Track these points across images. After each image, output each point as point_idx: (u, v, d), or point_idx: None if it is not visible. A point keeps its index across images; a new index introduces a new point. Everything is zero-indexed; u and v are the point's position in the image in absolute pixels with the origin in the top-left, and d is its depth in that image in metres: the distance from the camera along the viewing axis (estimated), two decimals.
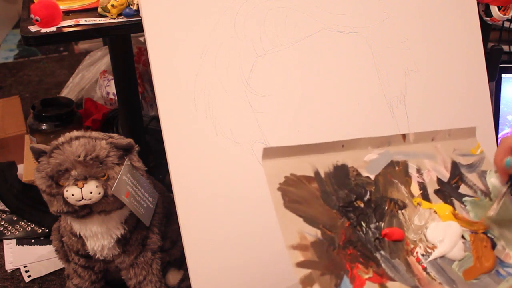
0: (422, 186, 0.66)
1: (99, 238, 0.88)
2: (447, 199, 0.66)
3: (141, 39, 1.53)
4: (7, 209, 1.21)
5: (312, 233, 0.56)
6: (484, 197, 0.67)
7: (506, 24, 1.27)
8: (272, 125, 0.81)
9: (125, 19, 0.95)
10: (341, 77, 0.83)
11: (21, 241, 1.16)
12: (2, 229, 1.18)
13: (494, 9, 0.97)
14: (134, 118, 1.26)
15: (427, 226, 0.63)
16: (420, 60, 0.86)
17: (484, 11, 0.98)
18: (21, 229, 1.18)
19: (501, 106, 1.11)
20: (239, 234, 0.78)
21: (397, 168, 0.65)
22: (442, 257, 0.61)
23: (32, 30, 0.91)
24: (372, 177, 0.63)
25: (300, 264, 0.54)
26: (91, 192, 0.81)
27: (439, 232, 0.62)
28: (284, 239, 0.54)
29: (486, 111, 0.89)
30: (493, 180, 0.67)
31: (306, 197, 0.58)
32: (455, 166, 0.68)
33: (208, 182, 0.78)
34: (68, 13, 0.98)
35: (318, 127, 0.82)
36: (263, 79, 0.80)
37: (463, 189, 0.67)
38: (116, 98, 1.41)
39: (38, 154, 0.84)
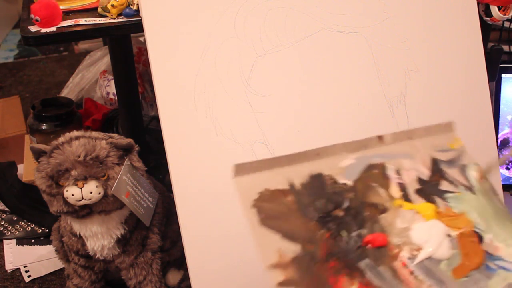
0: (403, 187, 0.64)
1: (99, 238, 0.88)
2: (429, 198, 0.64)
3: (141, 39, 1.53)
4: (7, 209, 1.21)
5: (292, 248, 0.54)
6: (466, 192, 0.65)
7: (506, 24, 1.27)
8: (272, 125, 0.81)
9: (125, 19, 0.95)
10: (341, 77, 0.83)
11: (21, 241, 1.16)
12: (2, 229, 1.18)
13: (494, 9, 0.97)
14: (134, 118, 1.26)
15: (410, 228, 0.61)
16: (420, 60, 0.86)
17: (484, 11, 0.98)
18: (21, 229, 1.18)
19: (501, 106, 1.11)
20: (239, 234, 0.78)
21: (375, 171, 0.64)
22: (429, 258, 0.59)
23: (32, 30, 0.91)
24: (350, 183, 0.62)
25: (282, 284, 0.52)
26: (91, 192, 0.81)
27: (424, 233, 0.61)
28: (263, 259, 0.52)
29: (486, 111, 0.89)
30: (474, 173, 0.66)
31: (283, 211, 0.56)
32: (435, 163, 0.66)
33: (208, 182, 0.78)
34: (68, 13, 0.98)
35: (318, 127, 0.82)
36: (263, 79, 0.80)
37: (444, 185, 0.65)
38: (116, 98, 1.41)
39: (38, 154, 0.84)
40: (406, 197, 0.63)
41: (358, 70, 0.84)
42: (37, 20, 0.91)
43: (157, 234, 0.94)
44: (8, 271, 1.08)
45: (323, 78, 0.83)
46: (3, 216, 1.21)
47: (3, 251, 1.13)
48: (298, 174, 0.59)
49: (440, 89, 0.87)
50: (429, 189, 0.65)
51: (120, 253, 0.91)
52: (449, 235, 0.61)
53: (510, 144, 1.12)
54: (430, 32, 0.87)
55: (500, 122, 1.11)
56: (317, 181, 0.60)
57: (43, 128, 1.24)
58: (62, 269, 1.06)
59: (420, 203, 0.64)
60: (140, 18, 0.87)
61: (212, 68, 0.79)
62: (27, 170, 1.29)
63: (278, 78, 0.81)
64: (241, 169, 0.56)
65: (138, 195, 0.87)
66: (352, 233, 0.59)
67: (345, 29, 0.83)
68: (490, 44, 1.15)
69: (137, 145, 0.87)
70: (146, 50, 0.90)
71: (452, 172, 0.66)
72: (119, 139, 0.85)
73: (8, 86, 1.92)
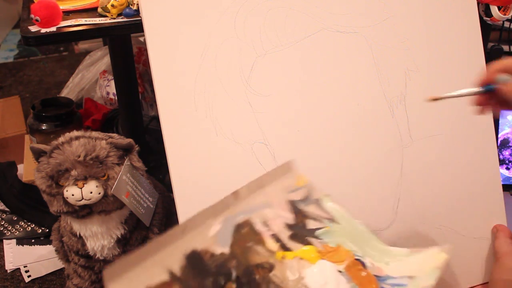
0: (276, 238, 0.60)
1: (99, 238, 0.88)
2: (304, 241, 0.61)
3: (141, 39, 1.53)
4: (7, 209, 1.21)
5: None
6: (332, 224, 0.63)
7: (506, 24, 1.27)
8: (272, 125, 0.81)
9: (125, 19, 0.95)
10: (341, 77, 0.83)
11: (21, 241, 1.16)
12: (2, 229, 1.18)
13: (494, 9, 0.97)
14: (134, 118, 1.26)
15: (303, 276, 0.57)
16: (420, 60, 0.86)
17: (484, 11, 0.98)
18: (21, 229, 1.18)
19: None
20: None
21: (245, 230, 0.59)
22: None
23: (32, 30, 0.91)
24: (227, 250, 0.56)
25: None
26: (91, 192, 0.81)
27: (318, 277, 0.57)
28: None
29: None
30: (330, 205, 0.64)
31: None
32: (292, 205, 0.63)
33: (208, 182, 0.78)
34: (68, 13, 0.98)
35: (318, 127, 0.82)
36: (263, 79, 0.80)
37: (311, 224, 0.62)
38: (116, 98, 1.41)
39: (38, 154, 0.84)
40: (284, 247, 0.59)
41: (358, 70, 0.84)
42: (37, 20, 0.91)
43: (157, 234, 0.94)
44: (8, 271, 1.08)
45: (323, 78, 0.83)
46: (3, 216, 1.21)
47: (3, 251, 1.13)
48: (174, 258, 0.53)
49: (440, 89, 0.87)
50: (300, 232, 0.61)
51: (120, 253, 0.91)
52: (339, 271, 0.58)
53: (510, 144, 1.12)
54: (430, 32, 0.87)
55: (500, 122, 1.11)
56: (195, 260, 0.54)
57: (43, 128, 1.24)
58: (62, 269, 1.06)
59: (298, 248, 0.60)
60: (140, 18, 0.87)
61: (212, 68, 0.79)
62: (27, 170, 1.29)
63: (278, 78, 0.81)
64: (113, 272, 0.49)
65: (138, 195, 0.87)
66: None
67: (345, 29, 0.83)
68: (490, 44, 1.15)
69: (137, 145, 0.87)
70: (146, 50, 0.90)
71: (311, 209, 0.63)
72: (119, 139, 0.85)
73: (8, 86, 1.92)
